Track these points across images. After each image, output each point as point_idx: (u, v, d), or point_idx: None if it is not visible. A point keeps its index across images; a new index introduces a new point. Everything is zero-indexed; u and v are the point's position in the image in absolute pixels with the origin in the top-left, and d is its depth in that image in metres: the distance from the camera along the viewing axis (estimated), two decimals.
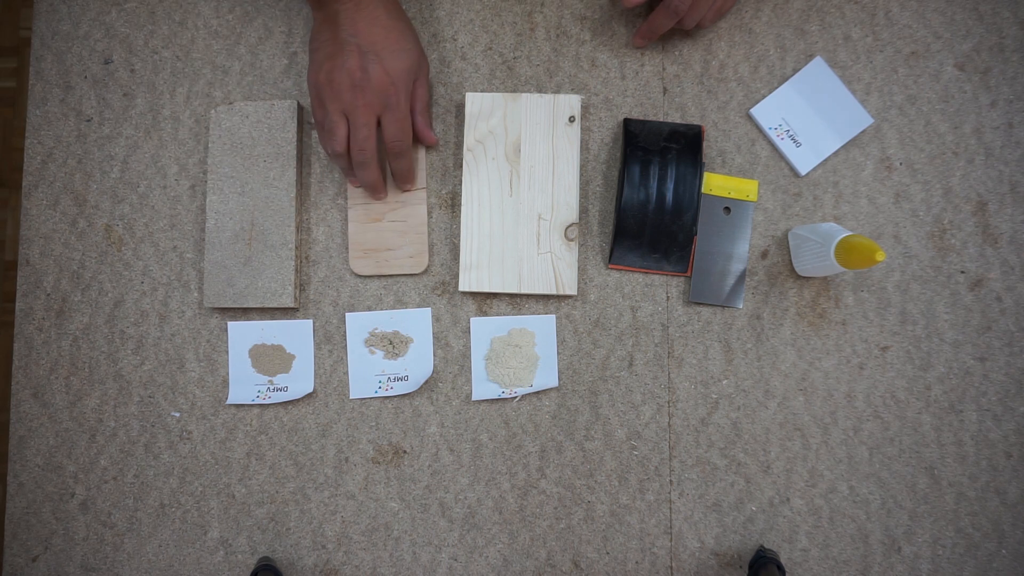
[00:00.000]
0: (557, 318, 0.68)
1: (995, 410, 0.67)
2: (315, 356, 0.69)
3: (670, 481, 0.67)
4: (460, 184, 0.69)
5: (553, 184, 0.68)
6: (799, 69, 0.69)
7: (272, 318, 0.69)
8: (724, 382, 0.68)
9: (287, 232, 0.68)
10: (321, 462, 0.68)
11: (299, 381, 0.69)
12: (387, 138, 0.63)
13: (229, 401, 0.68)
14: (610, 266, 0.68)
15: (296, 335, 0.69)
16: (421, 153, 0.69)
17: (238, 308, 0.69)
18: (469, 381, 0.68)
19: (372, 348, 0.69)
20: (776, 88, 0.69)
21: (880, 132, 0.69)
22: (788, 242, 0.68)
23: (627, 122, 0.68)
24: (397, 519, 0.68)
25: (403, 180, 0.67)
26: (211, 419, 0.69)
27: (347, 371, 0.69)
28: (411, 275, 0.69)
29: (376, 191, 0.67)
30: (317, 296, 0.69)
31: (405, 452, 0.68)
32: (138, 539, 0.69)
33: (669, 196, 0.66)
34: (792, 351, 0.68)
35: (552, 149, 0.68)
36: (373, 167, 0.64)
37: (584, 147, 0.70)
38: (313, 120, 0.65)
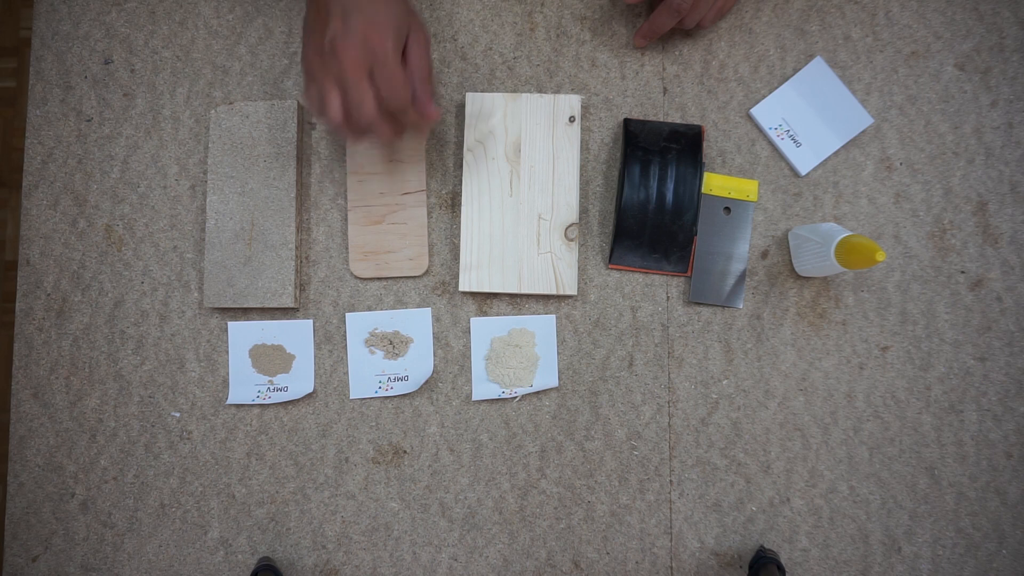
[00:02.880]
0: (557, 318, 0.68)
1: (995, 410, 0.67)
2: (315, 356, 0.69)
3: (670, 481, 0.67)
4: (460, 184, 0.69)
5: (553, 184, 0.68)
6: (799, 69, 0.69)
7: (272, 318, 0.69)
8: (724, 382, 0.68)
9: (287, 232, 0.68)
10: (321, 462, 0.68)
11: (299, 381, 0.69)
12: (382, 94, 0.57)
13: (229, 401, 0.68)
14: (610, 266, 0.68)
15: (296, 335, 0.69)
16: (421, 154, 0.69)
17: (238, 308, 0.69)
18: (469, 381, 0.68)
19: (372, 348, 0.69)
20: (776, 88, 0.69)
21: (880, 132, 0.69)
22: (788, 242, 0.68)
23: (627, 122, 0.68)
24: (397, 519, 0.68)
25: (416, 132, 0.64)
26: (211, 419, 0.69)
27: (347, 371, 0.69)
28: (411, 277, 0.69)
29: (393, 140, 0.61)
30: (317, 296, 0.69)
31: (405, 452, 0.68)
32: (138, 539, 0.69)
33: (669, 196, 0.66)
34: (792, 351, 0.68)
35: (552, 149, 0.68)
36: (380, 125, 0.58)
37: (584, 147, 0.70)
38: (307, 102, 0.60)
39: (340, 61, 0.56)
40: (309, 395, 0.69)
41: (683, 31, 0.70)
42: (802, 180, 0.69)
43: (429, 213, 0.69)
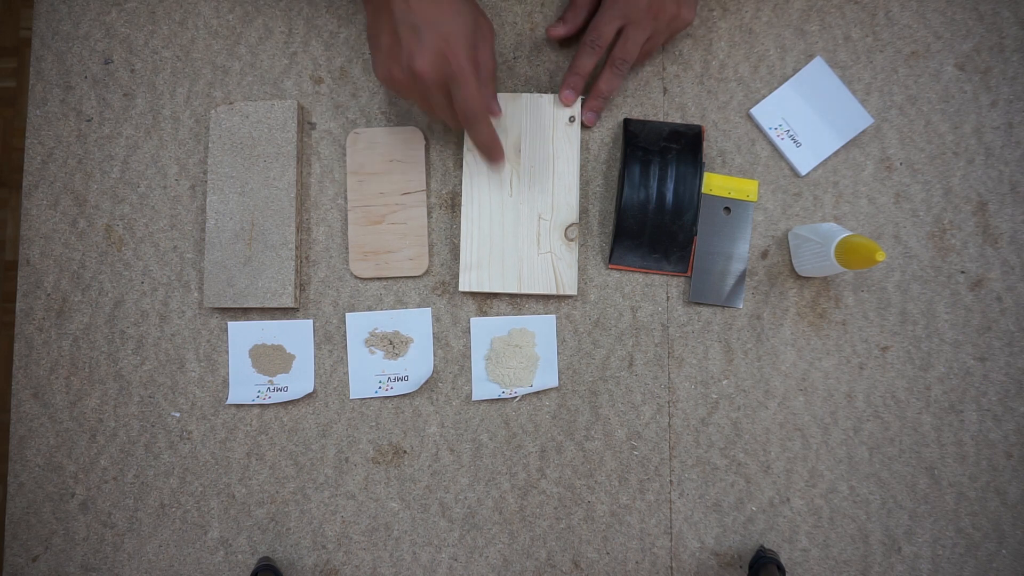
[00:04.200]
0: (557, 318, 0.68)
1: (995, 410, 0.67)
2: (315, 356, 0.69)
3: (670, 481, 0.67)
4: (460, 184, 0.69)
5: (553, 184, 0.68)
6: (799, 69, 0.69)
7: (272, 318, 0.69)
8: (724, 382, 0.68)
9: (287, 232, 0.68)
10: (321, 462, 0.68)
11: (299, 381, 0.69)
12: (457, 108, 0.59)
13: (229, 401, 0.68)
14: (610, 266, 0.68)
15: (296, 335, 0.69)
16: (421, 153, 0.69)
17: (238, 308, 0.69)
18: (469, 381, 0.68)
19: (372, 348, 0.69)
20: (776, 88, 0.69)
21: (880, 132, 0.69)
22: (788, 242, 0.68)
23: (627, 122, 0.68)
24: (397, 519, 0.68)
25: (487, 153, 0.64)
26: (211, 419, 0.69)
27: (347, 371, 0.69)
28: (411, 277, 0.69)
29: (493, 153, 0.64)
30: (317, 296, 0.69)
31: (405, 452, 0.68)
32: (138, 539, 0.69)
33: (669, 196, 0.66)
34: (792, 351, 0.68)
35: (552, 149, 0.68)
36: (478, 126, 0.61)
37: (584, 147, 0.70)
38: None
39: (422, 81, 0.57)
40: (309, 395, 0.69)
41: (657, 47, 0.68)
42: (802, 180, 0.69)
43: (429, 213, 0.69)
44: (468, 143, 0.68)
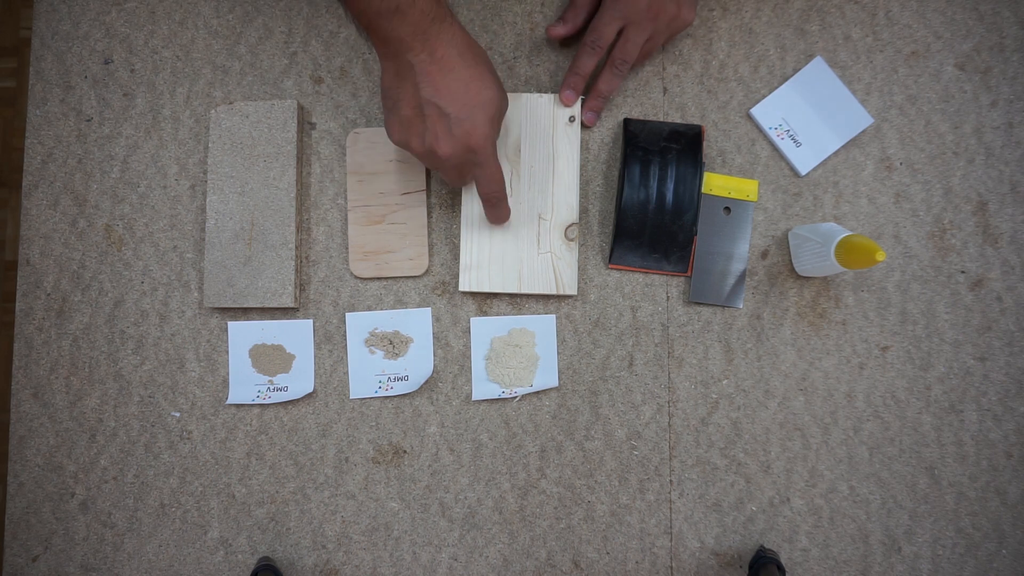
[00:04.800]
0: (557, 318, 0.68)
1: (995, 410, 0.67)
2: (315, 356, 0.69)
3: (670, 481, 0.67)
4: None
5: (553, 184, 0.67)
6: (799, 69, 0.69)
7: (272, 318, 0.69)
8: (724, 382, 0.68)
9: (287, 232, 0.68)
10: (321, 462, 0.68)
11: (299, 381, 0.69)
12: (481, 192, 0.61)
13: (229, 401, 0.68)
14: (610, 266, 0.68)
15: (296, 335, 0.69)
16: None
17: (238, 308, 0.69)
18: (469, 381, 0.68)
19: (372, 348, 0.69)
20: (776, 88, 0.69)
21: (880, 132, 0.69)
22: (788, 242, 0.68)
23: (627, 122, 0.68)
24: (397, 519, 0.68)
25: (497, 224, 0.66)
26: (211, 419, 0.69)
27: (347, 371, 0.69)
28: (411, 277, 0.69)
29: (503, 222, 0.67)
30: (317, 296, 0.69)
31: (405, 452, 0.68)
32: (138, 539, 0.69)
33: (669, 196, 0.66)
34: (792, 351, 0.68)
35: (552, 149, 0.68)
36: (498, 207, 0.64)
37: (584, 147, 0.70)
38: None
39: (442, 163, 0.58)
40: (309, 395, 0.69)
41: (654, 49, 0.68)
42: (802, 180, 0.69)
43: (429, 213, 0.69)
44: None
